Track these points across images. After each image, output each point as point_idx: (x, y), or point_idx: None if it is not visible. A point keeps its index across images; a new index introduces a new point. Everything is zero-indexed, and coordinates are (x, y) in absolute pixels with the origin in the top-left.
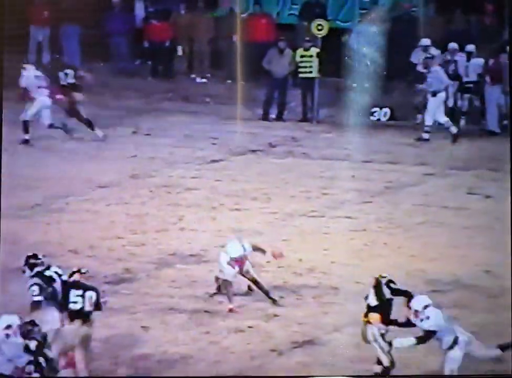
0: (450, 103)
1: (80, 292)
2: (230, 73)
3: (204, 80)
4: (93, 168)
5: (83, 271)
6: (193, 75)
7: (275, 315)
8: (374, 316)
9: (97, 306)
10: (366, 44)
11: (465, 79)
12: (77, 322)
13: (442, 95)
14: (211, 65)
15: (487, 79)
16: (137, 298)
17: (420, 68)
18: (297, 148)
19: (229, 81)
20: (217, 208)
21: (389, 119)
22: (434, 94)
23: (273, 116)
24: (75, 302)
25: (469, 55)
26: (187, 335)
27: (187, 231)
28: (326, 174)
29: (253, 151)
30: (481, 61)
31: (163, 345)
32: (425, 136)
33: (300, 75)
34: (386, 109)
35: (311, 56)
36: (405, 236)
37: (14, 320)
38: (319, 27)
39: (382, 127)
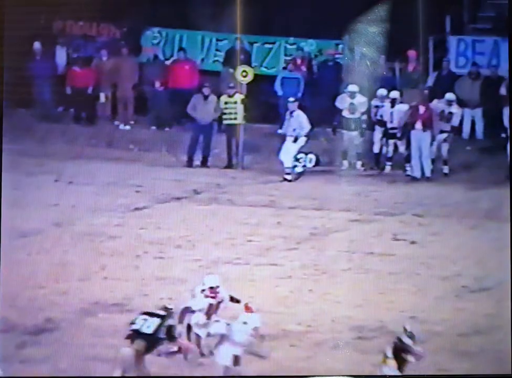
0: (376, 149)
1: None
2: (154, 119)
3: (127, 127)
4: (15, 215)
5: None
6: (116, 122)
7: (200, 365)
8: (392, 363)
9: None
10: (291, 90)
11: (389, 125)
12: None
13: (302, 140)
14: (134, 112)
15: (418, 125)
16: (59, 348)
17: (345, 113)
18: (221, 195)
19: (153, 127)
20: (141, 256)
21: (314, 165)
22: (296, 139)
23: (197, 162)
24: None
25: (393, 102)
26: None
27: (109, 280)
28: (250, 220)
29: (177, 198)
30: (405, 107)
31: None
32: (288, 177)
33: (225, 121)
34: (312, 155)
35: (235, 102)
36: (330, 282)
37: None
38: (244, 73)
39: (307, 173)
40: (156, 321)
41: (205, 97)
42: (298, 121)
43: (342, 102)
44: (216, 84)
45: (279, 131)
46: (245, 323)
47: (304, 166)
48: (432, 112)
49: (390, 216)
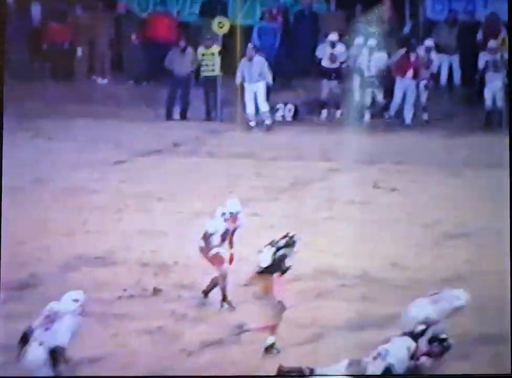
0: (356, 97)
1: None
2: (131, 73)
3: (105, 81)
4: None
5: None
6: (94, 77)
7: (183, 315)
8: None
9: None
10: (268, 40)
11: (367, 74)
12: None
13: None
14: (112, 66)
15: (409, 73)
16: (44, 303)
17: (325, 63)
18: (201, 147)
19: (131, 82)
20: (123, 209)
21: (293, 116)
22: (257, 87)
23: (176, 116)
24: None
25: (371, 50)
26: (94, 339)
27: (92, 234)
28: (231, 172)
29: (157, 151)
30: (383, 55)
31: (69, 349)
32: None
33: (203, 74)
34: (291, 106)
35: (212, 54)
36: (312, 232)
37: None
38: (220, 25)
39: (287, 124)
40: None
41: (182, 50)
42: (258, 68)
43: (323, 51)
44: (193, 36)
45: (237, 80)
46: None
47: (283, 116)
48: (419, 60)
49: (369, 165)
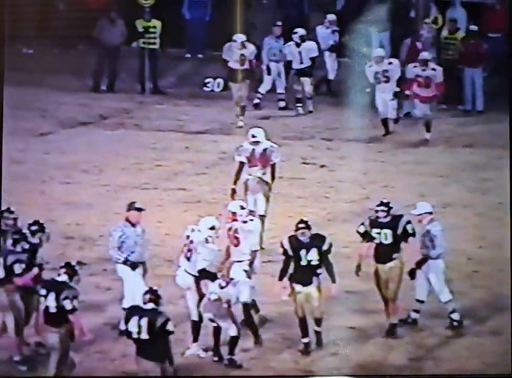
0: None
1: None
2: (58, 41)
3: (30, 51)
4: None
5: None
6: (19, 46)
7: (108, 289)
8: None
9: None
10: (199, 12)
11: (297, 66)
12: None
13: None
14: (38, 34)
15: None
16: None
17: (234, 65)
18: (129, 120)
19: (56, 50)
20: (47, 181)
21: (222, 90)
22: None
23: (103, 87)
24: None
25: (302, 39)
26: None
27: (14, 205)
28: (158, 145)
29: (84, 123)
30: (312, 44)
31: None
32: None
33: (142, 45)
34: (220, 80)
35: (154, 27)
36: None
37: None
38: None
39: (215, 98)
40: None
41: (112, 21)
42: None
43: (230, 52)
44: (124, 7)
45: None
46: None
47: (212, 90)
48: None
49: (298, 140)
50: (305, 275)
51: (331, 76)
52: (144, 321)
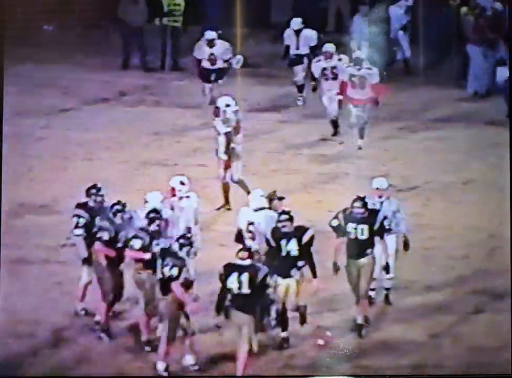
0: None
1: None
2: (80, 20)
3: (50, 28)
4: None
5: None
6: (39, 23)
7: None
8: None
9: None
10: None
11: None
12: None
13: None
14: (59, 11)
15: None
16: None
17: (206, 64)
18: (149, 96)
19: (79, 29)
20: (69, 157)
21: (242, 66)
22: None
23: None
24: None
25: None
26: (37, 286)
27: (37, 182)
28: (178, 122)
29: (104, 100)
30: (312, 32)
31: (12, 296)
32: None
33: (168, 23)
34: (239, 56)
35: (179, 4)
36: (260, 183)
37: None
38: None
39: (236, 75)
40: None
41: (135, 0)
42: None
43: (201, 51)
44: None
45: None
46: None
47: (231, 66)
48: None
49: (320, 118)
50: (284, 266)
51: (407, 55)
52: (245, 276)
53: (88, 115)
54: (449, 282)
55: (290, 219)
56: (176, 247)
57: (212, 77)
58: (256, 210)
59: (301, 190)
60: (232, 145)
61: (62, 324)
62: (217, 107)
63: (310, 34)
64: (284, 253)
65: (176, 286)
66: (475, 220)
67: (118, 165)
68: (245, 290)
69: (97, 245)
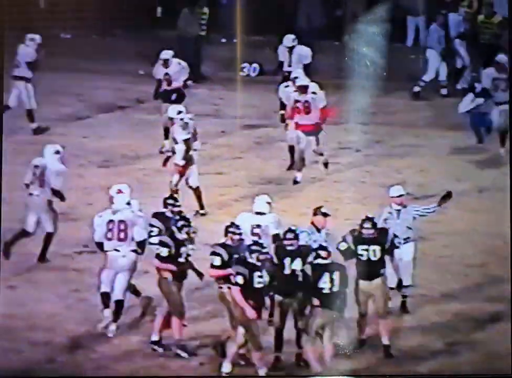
0: None
1: None
2: (95, 28)
3: (68, 36)
4: None
5: None
6: (56, 31)
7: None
8: None
9: None
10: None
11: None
12: None
13: None
14: (76, 20)
15: None
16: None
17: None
18: (165, 104)
19: (94, 36)
20: (85, 165)
21: (258, 74)
22: None
23: (141, 72)
24: None
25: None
26: (54, 293)
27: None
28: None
29: (120, 107)
30: (306, 50)
31: (28, 303)
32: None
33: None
34: (256, 65)
35: (205, 13)
36: (275, 191)
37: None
38: None
39: (251, 82)
40: None
41: (192, 12)
42: None
43: (159, 71)
44: None
45: None
46: None
47: (248, 75)
48: None
49: (334, 125)
50: (286, 285)
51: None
52: (336, 275)
53: (104, 123)
54: (465, 289)
55: (296, 237)
56: (246, 255)
57: (173, 97)
58: (258, 214)
59: (318, 198)
60: (190, 152)
61: (78, 331)
62: (170, 118)
63: (304, 52)
64: (287, 272)
65: (235, 292)
66: (490, 228)
67: (134, 172)
68: (336, 288)
69: (156, 261)
